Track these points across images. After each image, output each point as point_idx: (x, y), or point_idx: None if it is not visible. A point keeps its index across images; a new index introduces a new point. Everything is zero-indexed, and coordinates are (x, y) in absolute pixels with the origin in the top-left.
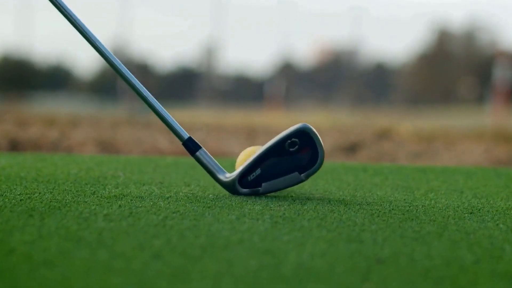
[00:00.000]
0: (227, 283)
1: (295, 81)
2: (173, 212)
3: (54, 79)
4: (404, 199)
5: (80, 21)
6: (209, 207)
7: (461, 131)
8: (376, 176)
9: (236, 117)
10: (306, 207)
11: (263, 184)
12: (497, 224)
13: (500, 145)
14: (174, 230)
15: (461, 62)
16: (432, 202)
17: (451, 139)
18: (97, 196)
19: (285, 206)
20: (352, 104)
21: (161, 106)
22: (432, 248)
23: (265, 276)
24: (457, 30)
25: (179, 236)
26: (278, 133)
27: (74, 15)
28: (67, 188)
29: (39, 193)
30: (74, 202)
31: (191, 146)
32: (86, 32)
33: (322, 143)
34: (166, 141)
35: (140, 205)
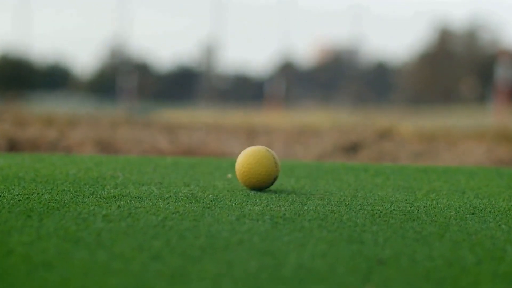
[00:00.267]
0: (227, 284)
1: (295, 81)
2: (173, 213)
3: (52, 78)
4: (406, 200)
5: None
6: (208, 208)
7: (463, 131)
8: (377, 176)
9: (235, 117)
10: (307, 208)
11: None
12: (499, 225)
13: (502, 145)
14: (174, 230)
15: (462, 61)
16: (434, 202)
17: (453, 139)
18: (96, 197)
19: (286, 207)
20: (353, 104)
21: None
22: (433, 249)
23: (265, 277)
24: (458, 29)
25: (179, 237)
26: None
27: None
28: (65, 188)
29: (38, 193)
30: (72, 202)
31: None
32: None
33: None
34: (165, 141)
35: (139, 206)
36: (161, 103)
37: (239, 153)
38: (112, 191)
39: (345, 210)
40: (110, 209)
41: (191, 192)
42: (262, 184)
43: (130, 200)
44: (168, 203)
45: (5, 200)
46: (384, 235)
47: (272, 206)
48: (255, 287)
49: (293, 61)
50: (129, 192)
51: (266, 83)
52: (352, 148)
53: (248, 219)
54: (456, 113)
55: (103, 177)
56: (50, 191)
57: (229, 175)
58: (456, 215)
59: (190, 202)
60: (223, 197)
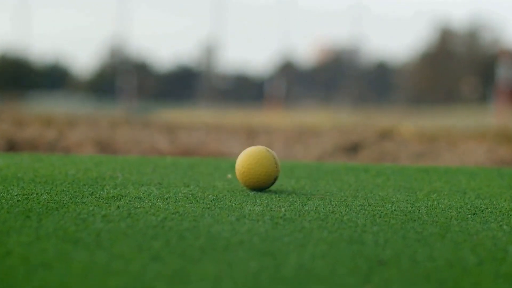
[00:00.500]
0: (227, 285)
1: (295, 81)
2: (172, 213)
3: (51, 78)
4: (406, 200)
5: None
6: (208, 208)
7: (464, 131)
8: (378, 176)
9: (235, 117)
10: (307, 208)
11: None
12: (501, 225)
13: (503, 145)
14: (173, 231)
15: (463, 61)
16: (435, 203)
17: (454, 139)
18: (95, 197)
19: (286, 207)
20: (353, 104)
21: None
22: (434, 250)
23: (266, 278)
24: (459, 29)
25: (179, 238)
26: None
27: None
28: (64, 188)
29: (37, 194)
30: (72, 203)
31: None
32: None
33: None
34: (165, 141)
35: (138, 206)
36: (161, 103)
37: (239, 153)
38: (111, 191)
39: (345, 210)
40: (110, 209)
41: (190, 193)
42: (262, 185)
43: (130, 201)
44: (167, 203)
45: (3, 200)
46: (385, 235)
47: (272, 206)
48: (255, 287)
49: (293, 61)
50: (129, 192)
51: (266, 83)
52: (353, 149)
53: (248, 220)
54: (457, 113)
55: (103, 177)
56: (49, 191)
57: (229, 176)
58: (457, 216)
59: (190, 203)
60: (223, 197)
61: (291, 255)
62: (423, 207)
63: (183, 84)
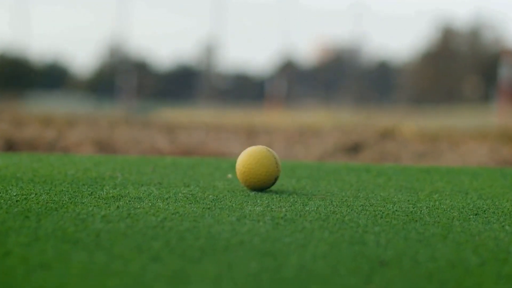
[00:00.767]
0: (227, 285)
1: (296, 80)
2: (172, 213)
3: (50, 77)
4: (408, 200)
5: None
6: (208, 208)
7: (466, 131)
8: (379, 176)
9: (236, 116)
10: (308, 208)
11: None
12: (503, 226)
13: (505, 145)
14: (173, 231)
15: (465, 60)
16: (437, 203)
17: (456, 139)
18: (95, 197)
19: (287, 207)
20: (355, 104)
21: None
22: (436, 250)
23: (266, 278)
24: (461, 28)
25: (178, 238)
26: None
27: None
28: (64, 189)
29: (36, 194)
30: (71, 203)
31: None
32: None
33: None
34: (165, 141)
35: (138, 206)
36: (161, 102)
37: (239, 153)
38: (111, 191)
39: (346, 211)
40: (109, 209)
41: (191, 193)
42: (262, 185)
43: (129, 201)
44: (167, 203)
45: (2, 200)
46: (386, 236)
47: (273, 206)
48: None
49: (294, 60)
50: (128, 192)
51: (267, 82)
52: (354, 148)
53: (248, 220)
54: (459, 113)
55: (102, 177)
56: (48, 191)
57: (229, 175)
58: (459, 216)
59: (190, 203)
60: (223, 197)
61: (292, 256)
62: (425, 208)
63: (183, 83)
